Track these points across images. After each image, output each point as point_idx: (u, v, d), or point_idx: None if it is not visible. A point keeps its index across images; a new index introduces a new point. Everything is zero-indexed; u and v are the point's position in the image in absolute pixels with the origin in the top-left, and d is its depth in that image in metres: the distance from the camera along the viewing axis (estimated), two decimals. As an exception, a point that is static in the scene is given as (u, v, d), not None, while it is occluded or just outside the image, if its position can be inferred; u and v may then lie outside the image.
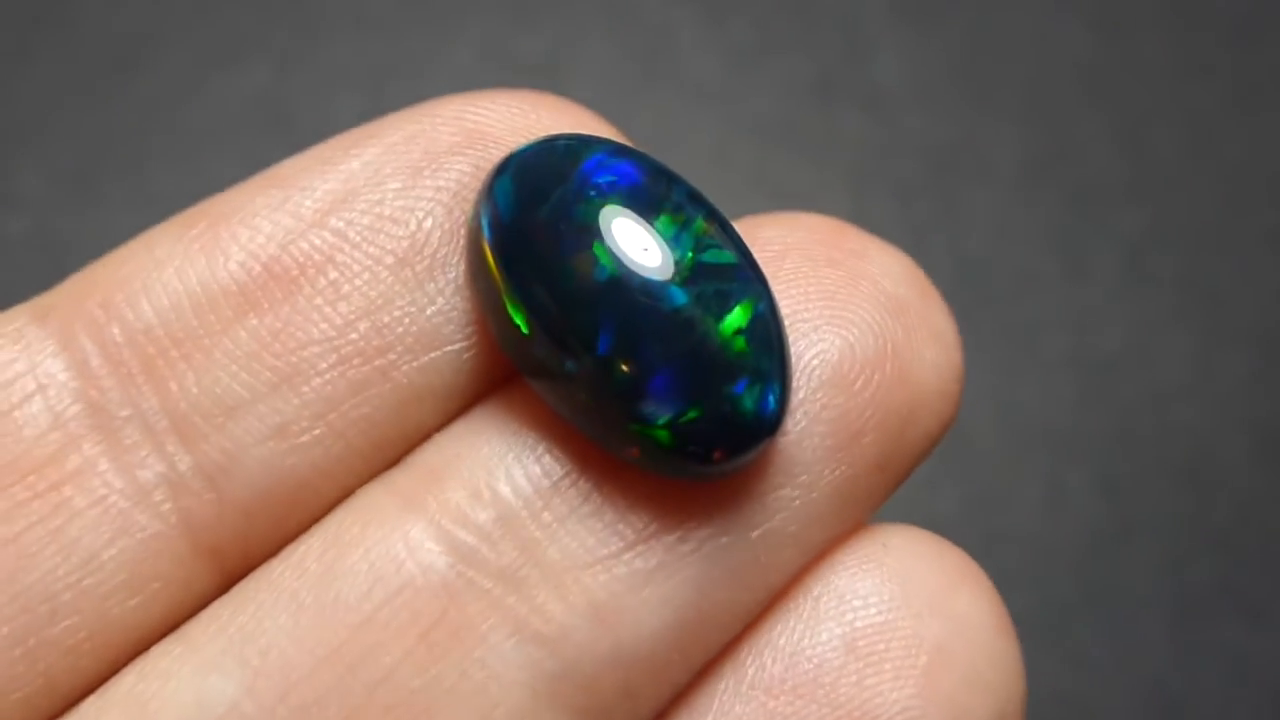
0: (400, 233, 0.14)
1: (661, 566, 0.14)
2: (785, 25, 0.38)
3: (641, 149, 0.15)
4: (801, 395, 0.14)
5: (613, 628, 0.14)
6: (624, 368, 0.13)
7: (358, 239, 0.14)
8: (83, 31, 0.37)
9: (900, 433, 0.14)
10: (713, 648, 0.14)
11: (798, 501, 0.14)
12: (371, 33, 0.37)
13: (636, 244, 0.13)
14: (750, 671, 0.14)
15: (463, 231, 0.14)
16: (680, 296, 0.13)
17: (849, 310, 0.15)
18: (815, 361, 0.14)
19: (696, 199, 0.14)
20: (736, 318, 0.13)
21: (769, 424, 0.14)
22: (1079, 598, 0.33)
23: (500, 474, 0.14)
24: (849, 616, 0.14)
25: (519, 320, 0.13)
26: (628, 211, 0.14)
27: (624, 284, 0.13)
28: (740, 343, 0.13)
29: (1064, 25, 0.38)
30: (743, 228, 0.15)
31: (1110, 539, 0.34)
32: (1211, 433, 0.34)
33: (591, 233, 0.13)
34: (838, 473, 0.14)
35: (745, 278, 0.14)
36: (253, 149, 0.36)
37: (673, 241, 0.13)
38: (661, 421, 0.13)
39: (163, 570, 0.14)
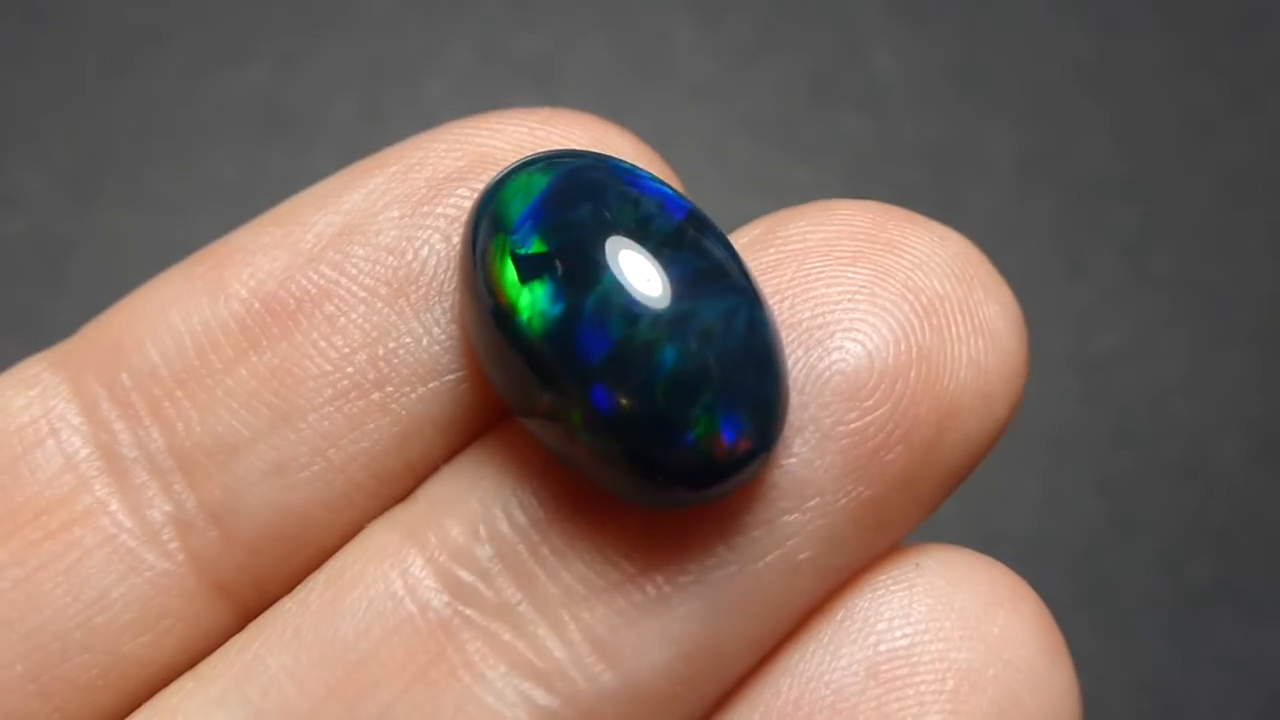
0: (396, 263, 0.14)
1: (661, 599, 0.13)
2: (782, 24, 0.38)
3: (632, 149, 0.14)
4: (812, 411, 0.13)
5: (613, 663, 0.13)
6: (586, 402, 0.13)
7: (355, 271, 0.14)
8: (81, 31, 0.37)
9: (931, 445, 0.14)
10: (725, 680, 0.14)
11: (809, 526, 0.14)
12: (370, 32, 0.38)
13: (605, 269, 0.13)
14: (765, 699, 0.14)
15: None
16: (643, 320, 0.13)
17: (868, 314, 0.14)
18: (828, 374, 0.13)
19: (672, 207, 0.13)
20: (702, 338, 0.13)
21: (735, 450, 0.13)
22: (1076, 596, 0.33)
23: (499, 510, 0.14)
24: (872, 640, 0.14)
25: (492, 354, 0.13)
26: (598, 236, 0.13)
27: (584, 313, 0.13)
28: (705, 365, 0.13)
29: (1061, 23, 0.38)
30: (770, 223, 0.14)
31: (1108, 537, 0.34)
32: (1209, 431, 0.35)
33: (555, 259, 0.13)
34: (856, 494, 0.13)
35: (721, 290, 0.13)
36: (252, 148, 0.36)
37: (646, 259, 0.13)
38: (630, 453, 0.13)
39: (173, 607, 0.14)
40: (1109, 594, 0.33)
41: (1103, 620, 0.33)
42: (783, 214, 0.15)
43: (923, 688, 0.14)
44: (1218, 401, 0.35)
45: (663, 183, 0.14)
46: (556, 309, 0.13)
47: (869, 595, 0.14)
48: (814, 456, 0.13)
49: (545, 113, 0.15)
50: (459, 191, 0.14)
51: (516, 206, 0.13)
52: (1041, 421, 0.34)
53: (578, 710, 0.13)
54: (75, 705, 0.14)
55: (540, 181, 0.13)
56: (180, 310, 0.14)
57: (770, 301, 0.14)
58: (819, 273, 0.14)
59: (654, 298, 0.13)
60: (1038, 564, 0.33)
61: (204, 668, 0.14)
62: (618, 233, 0.13)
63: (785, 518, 0.14)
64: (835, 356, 0.13)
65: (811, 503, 0.14)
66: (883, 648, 0.14)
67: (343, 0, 0.38)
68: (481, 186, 0.14)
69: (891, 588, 0.14)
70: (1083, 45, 0.38)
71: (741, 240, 0.14)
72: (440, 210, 0.14)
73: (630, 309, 0.13)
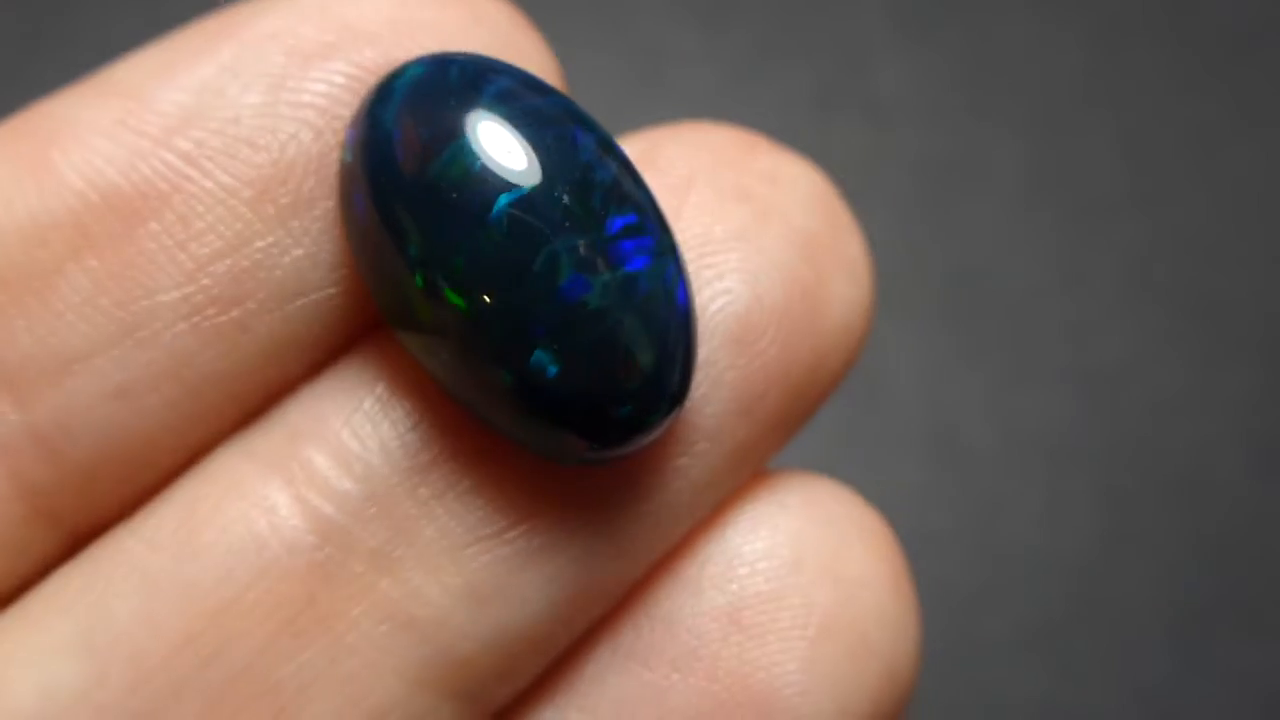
0: (260, 160, 0.12)
1: (545, 546, 0.13)
2: (785, 36, 0.38)
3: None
4: (703, 355, 0.13)
5: (493, 610, 0.13)
6: (511, 347, 0.12)
7: (209, 166, 0.12)
8: (93, 28, 0.37)
9: (806, 385, 0.13)
10: (596, 617, 0.13)
11: (694, 471, 0.13)
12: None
13: (534, 196, 0.12)
14: (627, 640, 0.13)
15: (334, 158, 0.12)
16: (573, 262, 0.12)
17: (754, 254, 0.13)
18: (720, 317, 0.13)
19: (607, 145, 0.12)
20: (630, 288, 0.12)
21: (649, 415, 0.12)
22: (1077, 610, 0.33)
23: (372, 441, 0.12)
24: (734, 586, 0.13)
25: (410, 278, 0.12)
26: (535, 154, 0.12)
27: (520, 242, 0.12)
28: (633, 318, 0.12)
29: (1064, 36, 0.38)
30: (645, 141, 0.14)
31: (1107, 550, 0.34)
32: (1211, 445, 0.34)
33: (489, 181, 0.12)
34: (738, 436, 0.13)
35: (648, 240, 0.12)
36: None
37: (579, 196, 0.12)
38: (545, 402, 0.12)
39: None
40: (1109, 607, 0.33)
41: (1102, 633, 0.33)
42: (656, 133, 0.14)
43: (784, 633, 0.13)
44: (1219, 415, 0.35)
45: (560, 97, 0.13)
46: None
47: (733, 537, 0.14)
48: (704, 404, 0.13)
49: None
50: (329, 74, 0.12)
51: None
52: (1042, 434, 0.34)
53: (454, 657, 0.12)
54: None
55: (469, 88, 0.12)
56: (4, 199, 0.12)
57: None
58: (706, 207, 0.13)
59: (589, 233, 0.12)
60: (1038, 576, 0.33)
61: (34, 607, 0.13)
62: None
63: (675, 463, 0.13)
64: (728, 299, 0.13)
65: (698, 448, 0.13)
66: (746, 593, 0.13)
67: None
68: (355, 67, 0.12)
69: (756, 530, 0.14)
70: (1085, 58, 0.38)
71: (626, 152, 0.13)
72: (307, 98, 0.12)
73: (558, 244, 0.12)
